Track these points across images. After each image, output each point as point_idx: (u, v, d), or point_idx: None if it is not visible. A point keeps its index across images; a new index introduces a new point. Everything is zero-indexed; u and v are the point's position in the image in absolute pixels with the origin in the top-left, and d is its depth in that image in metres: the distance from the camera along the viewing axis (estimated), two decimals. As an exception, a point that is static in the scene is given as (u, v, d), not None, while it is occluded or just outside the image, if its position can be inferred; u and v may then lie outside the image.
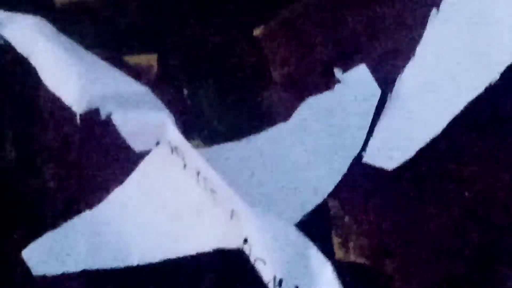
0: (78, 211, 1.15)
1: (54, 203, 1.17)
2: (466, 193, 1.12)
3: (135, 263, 1.10)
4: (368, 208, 1.13)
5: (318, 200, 1.13)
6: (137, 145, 1.11)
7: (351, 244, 1.11)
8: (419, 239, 1.10)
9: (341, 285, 1.01)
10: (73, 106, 1.09)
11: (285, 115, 1.21)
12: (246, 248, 1.04)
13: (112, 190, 1.15)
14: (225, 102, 1.21)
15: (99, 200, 1.15)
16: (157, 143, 1.11)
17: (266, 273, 1.02)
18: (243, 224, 1.04)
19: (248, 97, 1.21)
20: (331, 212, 1.13)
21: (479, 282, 1.08)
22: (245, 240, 1.04)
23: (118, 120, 1.10)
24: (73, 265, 1.10)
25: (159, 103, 1.14)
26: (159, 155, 1.12)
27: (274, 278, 1.01)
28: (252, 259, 1.03)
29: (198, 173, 1.08)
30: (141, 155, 1.15)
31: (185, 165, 1.10)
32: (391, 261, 1.10)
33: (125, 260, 1.10)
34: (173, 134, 1.08)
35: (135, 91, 1.14)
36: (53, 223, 1.14)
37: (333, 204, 1.13)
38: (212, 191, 1.07)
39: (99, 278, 1.11)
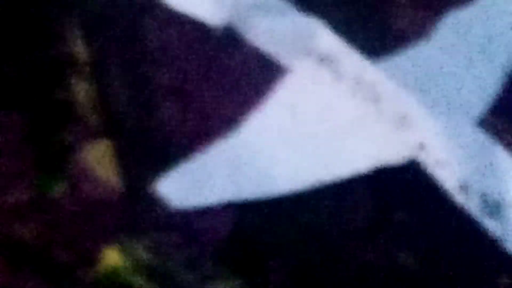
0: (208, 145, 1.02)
1: (178, 141, 1.04)
2: None
3: (283, 191, 0.98)
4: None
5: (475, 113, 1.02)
6: (282, 57, 1.00)
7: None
8: None
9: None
10: (209, 19, 0.97)
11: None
12: (422, 155, 0.94)
13: (247, 118, 1.02)
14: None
15: (231, 130, 1.02)
16: (305, 53, 1.00)
17: (448, 178, 0.92)
18: (419, 129, 0.94)
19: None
20: (493, 131, 1.02)
21: None
22: (421, 146, 0.93)
23: (262, 28, 0.98)
24: (216, 196, 0.98)
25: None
26: (304, 69, 1.02)
27: (459, 183, 0.91)
28: (429, 166, 0.93)
29: (357, 82, 0.97)
30: (275, 76, 1.04)
31: (337, 77, 0.99)
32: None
33: (271, 188, 0.99)
34: (327, 39, 0.97)
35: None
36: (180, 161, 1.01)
37: (493, 121, 1.03)
38: (375, 100, 0.97)
39: (245, 211, 0.98)
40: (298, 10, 1.03)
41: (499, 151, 0.94)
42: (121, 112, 1.06)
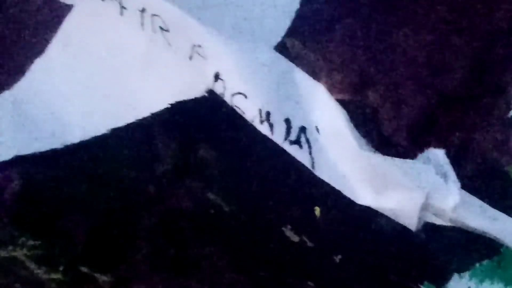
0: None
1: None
2: (439, 7, 0.97)
3: (76, 140, 0.89)
4: (334, 41, 0.97)
5: (276, 40, 0.95)
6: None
7: (324, 82, 0.94)
8: (400, 62, 0.96)
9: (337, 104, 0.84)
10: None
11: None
12: (218, 86, 0.86)
13: (31, 64, 0.93)
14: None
15: (16, 79, 0.93)
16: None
17: (249, 108, 0.85)
18: (212, 58, 0.86)
19: None
20: (292, 53, 0.96)
21: (475, 94, 0.93)
22: (216, 77, 0.86)
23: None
24: (1, 153, 0.88)
25: None
26: (87, 5, 0.92)
27: (260, 112, 0.84)
28: (227, 96, 0.86)
29: (142, 11, 0.89)
30: (58, 15, 0.94)
31: (122, 9, 0.91)
32: (374, 91, 0.94)
33: (63, 138, 0.90)
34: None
35: None
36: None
37: (292, 43, 0.96)
38: (163, 29, 0.88)
39: (36, 165, 0.89)
40: None
41: (299, 74, 0.88)
42: None
